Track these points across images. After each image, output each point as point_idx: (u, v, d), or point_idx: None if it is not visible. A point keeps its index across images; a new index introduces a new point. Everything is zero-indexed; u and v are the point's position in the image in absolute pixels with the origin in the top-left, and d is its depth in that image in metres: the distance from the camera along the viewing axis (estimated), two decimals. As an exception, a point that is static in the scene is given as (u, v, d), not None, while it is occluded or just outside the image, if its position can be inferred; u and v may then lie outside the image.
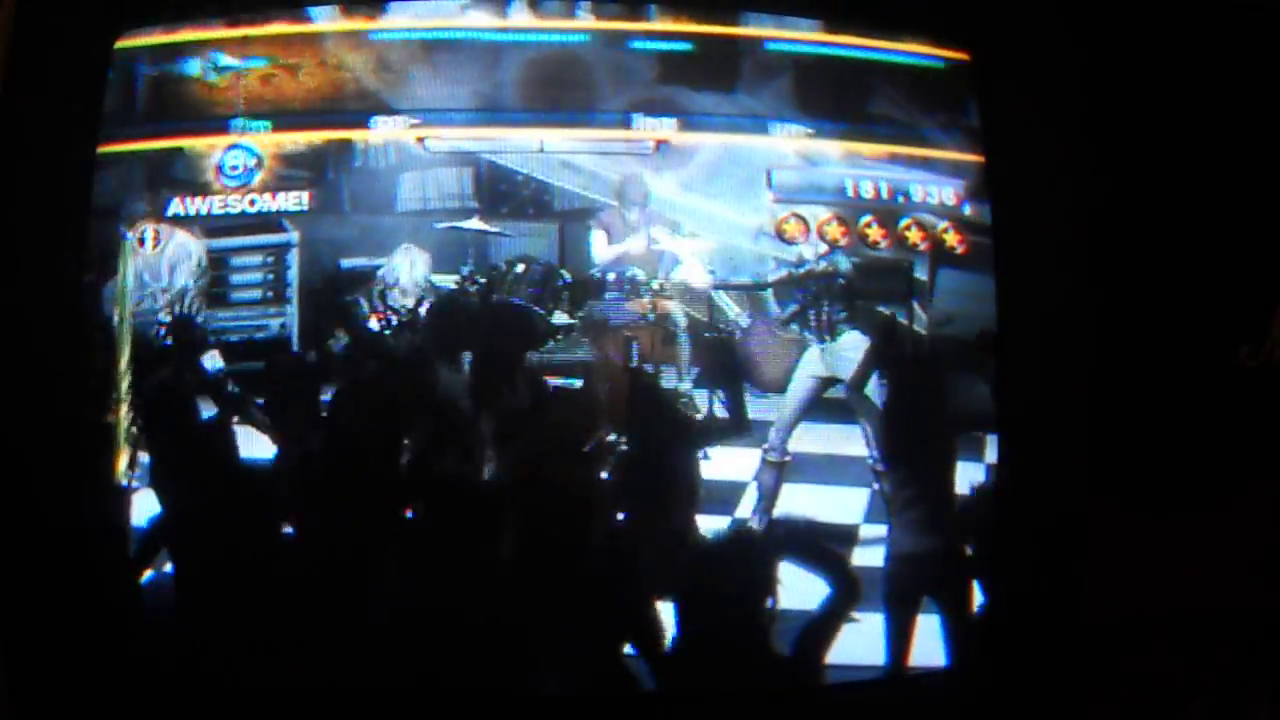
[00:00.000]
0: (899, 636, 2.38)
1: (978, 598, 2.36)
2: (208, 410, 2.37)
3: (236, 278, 2.61)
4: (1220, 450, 2.48)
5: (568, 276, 2.75)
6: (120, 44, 2.15)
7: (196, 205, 2.44)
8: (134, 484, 2.29)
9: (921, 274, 2.63)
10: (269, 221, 2.59)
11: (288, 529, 2.28)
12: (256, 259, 2.62)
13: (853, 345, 2.62)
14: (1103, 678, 2.45)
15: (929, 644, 2.38)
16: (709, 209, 2.65)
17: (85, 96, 2.08)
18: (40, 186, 2.05)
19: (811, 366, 2.67)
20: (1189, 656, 2.50)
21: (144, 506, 2.27)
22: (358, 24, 2.44)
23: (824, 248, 2.63)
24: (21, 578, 2.04)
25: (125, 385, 2.24)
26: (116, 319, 2.25)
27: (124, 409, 2.23)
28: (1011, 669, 2.27)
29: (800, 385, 2.68)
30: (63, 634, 2.06)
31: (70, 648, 2.07)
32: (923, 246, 2.59)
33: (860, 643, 2.30)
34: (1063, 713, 2.32)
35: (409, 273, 2.62)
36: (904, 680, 2.39)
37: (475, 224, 2.67)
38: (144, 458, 2.29)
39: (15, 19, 2.03)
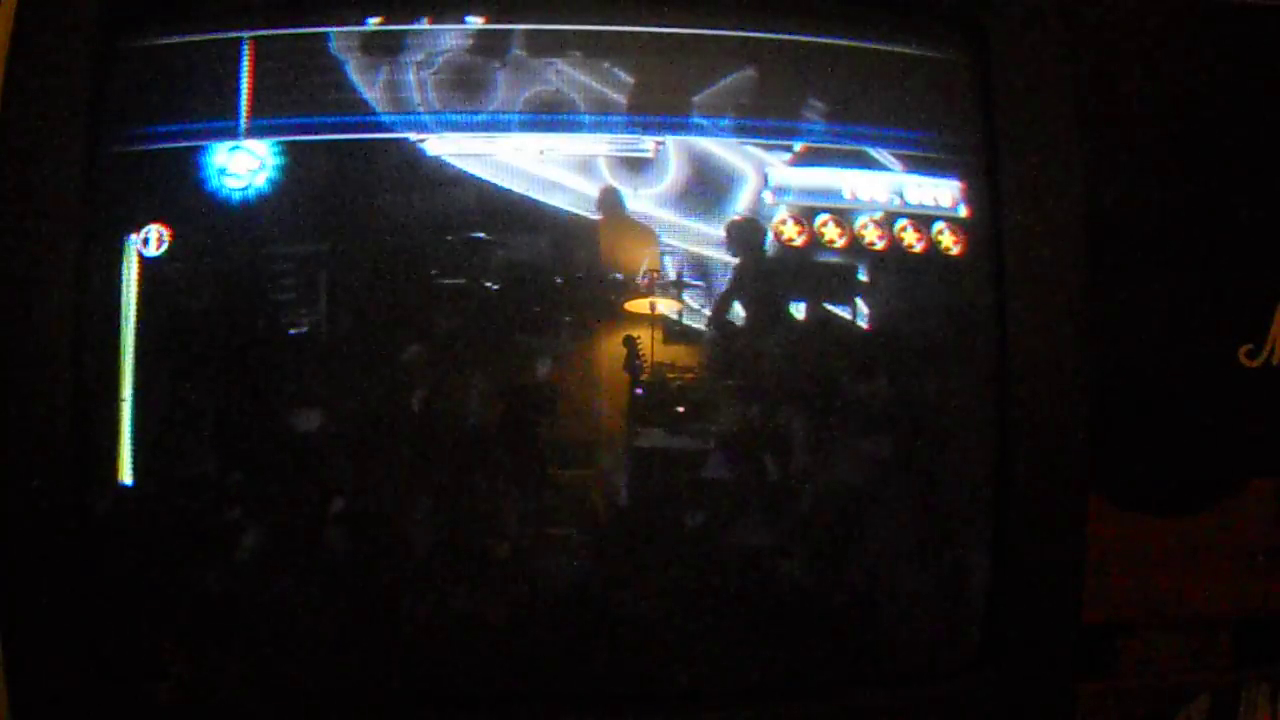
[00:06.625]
0: (894, 629, 2.39)
1: (975, 595, 2.36)
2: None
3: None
4: (1220, 450, 2.49)
5: (559, 280, 2.82)
6: (122, 43, 2.15)
7: (199, 208, 2.46)
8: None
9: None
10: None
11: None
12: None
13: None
14: (1101, 678, 2.46)
15: (926, 642, 2.39)
16: (689, 217, 2.68)
17: (87, 96, 2.06)
18: (40, 187, 2.05)
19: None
20: (1189, 657, 2.51)
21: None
22: (365, 29, 2.46)
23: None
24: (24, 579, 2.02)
25: (128, 389, 2.26)
26: (120, 323, 2.27)
27: (127, 408, 2.25)
28: (1009, 669, 2.27)
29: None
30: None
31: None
32: (919, 248, 2.58)
33: (853, 639, 2.31)
34: (1061, 713, 2.32)
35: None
36: (901, 680, 2.40)
37: (473, 234, 2.74)
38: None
39: (16, 17, 2.03)
